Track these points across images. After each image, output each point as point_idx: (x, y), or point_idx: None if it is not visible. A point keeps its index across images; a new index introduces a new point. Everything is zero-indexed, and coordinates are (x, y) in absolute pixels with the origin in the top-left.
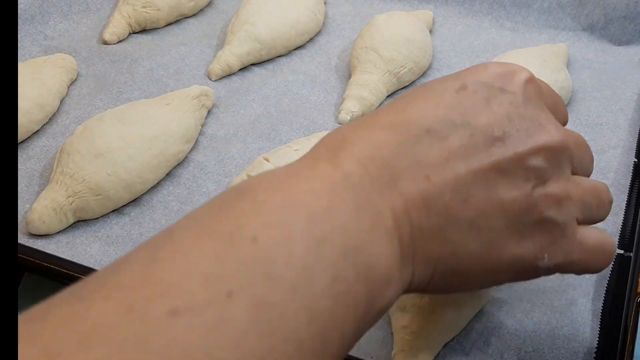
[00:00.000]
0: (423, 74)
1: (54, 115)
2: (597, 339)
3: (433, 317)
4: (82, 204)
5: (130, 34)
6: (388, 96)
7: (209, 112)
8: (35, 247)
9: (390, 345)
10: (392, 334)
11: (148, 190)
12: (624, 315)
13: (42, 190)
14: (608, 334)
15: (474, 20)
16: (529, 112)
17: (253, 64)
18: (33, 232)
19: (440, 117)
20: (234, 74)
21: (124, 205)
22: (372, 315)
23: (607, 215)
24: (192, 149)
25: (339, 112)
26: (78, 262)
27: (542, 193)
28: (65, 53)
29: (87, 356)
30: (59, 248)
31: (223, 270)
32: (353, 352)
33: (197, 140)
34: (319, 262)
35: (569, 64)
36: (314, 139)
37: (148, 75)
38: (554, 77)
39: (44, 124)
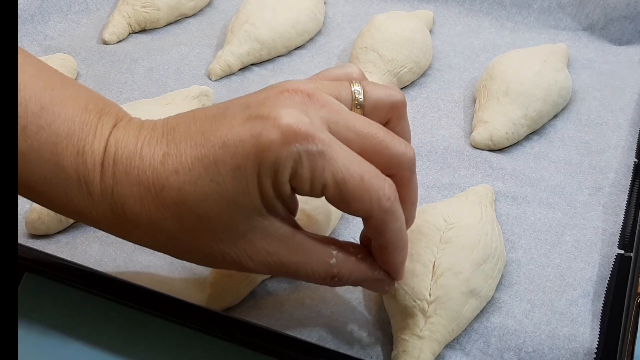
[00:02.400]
0: (423, 74)
1: None
2: (597, 339)
3: (434, 319)
4: None
5: (130, 33)
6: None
7: None
8: (34, 247)
9: (391, 345)
10: (392, 334)
11: None
12: (624, 315)
13: None
14: (608, 334)
15: (474, 20)
16: None
17: (253, 64)
18: (33, 232)
19: None
20: (234, 74)
21: None
22: None
23: None
24: None
25: None
26: (78, 262)
27: None
28: (65, 53)
29: None
30: (59, 248)
31: None
32: (353, 352)
33: None
34: None
35: (569, 64)
36: None
37: (148, 75)
38: (554, 77)
39: None
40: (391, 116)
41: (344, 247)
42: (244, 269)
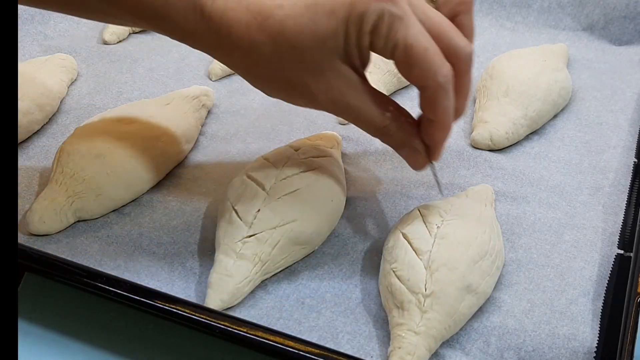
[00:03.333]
0: None
1: (54, 115)
2: (597, 338)
3: (430, 315)
4: (82, 204)
5: (130, 34)
6: (388, 96)
7: (209, 112)
8: (35, 247)
9: None
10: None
11: (148, 190)
12: (623, 315)
13: (42, 190)
14: (608, 333)
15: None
16: None
17: None
18: (33, 232)
19: None
20: (234, 74)
21: (124, 205)
22: None
23: None
24: (192, 149)
25: None
26: (78, 262)
27: None
28: (65, 53)
29: None
30: (59, 248)
31: None
32: (353, 352)
33: (197, 140)
34: None
35: (569, 64)
36: (315, 139)
37: (148, 75)
38: (554, 76)
39: (44, 124)
40: (460, 10)
41: (399, 108)
42: (316, 102)
